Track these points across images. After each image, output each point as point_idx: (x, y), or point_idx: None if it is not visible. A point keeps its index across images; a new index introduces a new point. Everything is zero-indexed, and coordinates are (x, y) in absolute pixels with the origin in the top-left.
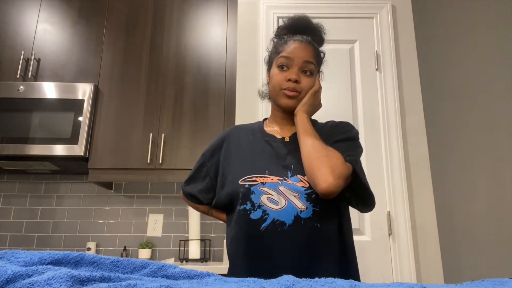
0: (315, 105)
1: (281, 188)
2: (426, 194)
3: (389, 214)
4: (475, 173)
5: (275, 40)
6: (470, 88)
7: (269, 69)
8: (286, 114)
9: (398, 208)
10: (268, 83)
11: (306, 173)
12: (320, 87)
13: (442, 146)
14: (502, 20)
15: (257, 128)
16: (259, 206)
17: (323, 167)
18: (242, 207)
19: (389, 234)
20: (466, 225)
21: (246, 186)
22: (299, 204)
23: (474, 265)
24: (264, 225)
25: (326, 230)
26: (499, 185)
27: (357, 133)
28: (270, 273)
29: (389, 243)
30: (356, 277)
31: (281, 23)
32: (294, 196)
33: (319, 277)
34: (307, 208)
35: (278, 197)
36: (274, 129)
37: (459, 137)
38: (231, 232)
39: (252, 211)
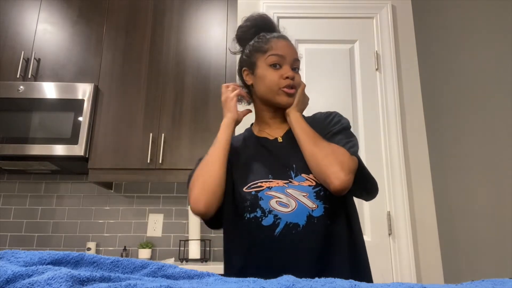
0: (305, 103)
1: (289, 190)
2: (426, 194)
3: (389, 214)
4: (475, 173)
5: (250, 42)
6: (470, 88)
7: (251, 71)
8: (276, 113)
9: (398, 208)
10: (251, 84)
11: (314, 173)
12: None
13: (442, 146)
14: (503, 20)
15: (248, 135)
16: (270, 212)
17: (332, 165)
18: (252, 215)
19: (389, 234)
20: (466, 225)
21: (253, 193)
22: (310, 204)
23: (474, 265)
24: (278, 230)
25: (337, 226)
26: (499, 185)
27: (348, 121)
28: None
29: (389, 243)
30: (367, 273)
31: (241, 23)
32: (303, 196)
33: (333, 274)
34: (317, 206)
35: (288, 199)
36: (264, 132)
37: (459, 137)
38: (241, 243)
39: (263, 218)
